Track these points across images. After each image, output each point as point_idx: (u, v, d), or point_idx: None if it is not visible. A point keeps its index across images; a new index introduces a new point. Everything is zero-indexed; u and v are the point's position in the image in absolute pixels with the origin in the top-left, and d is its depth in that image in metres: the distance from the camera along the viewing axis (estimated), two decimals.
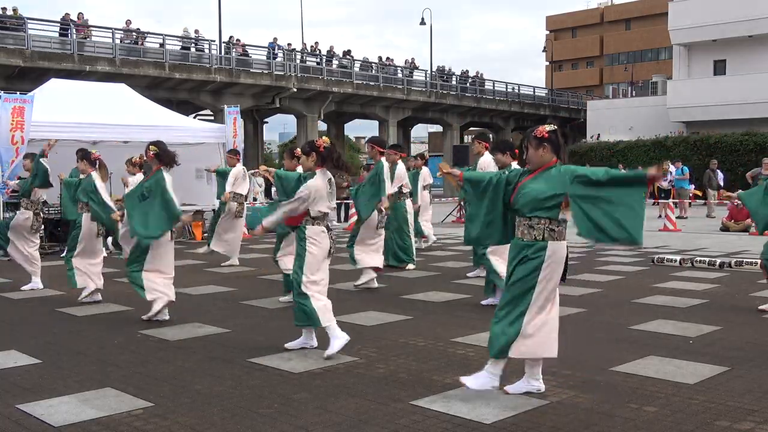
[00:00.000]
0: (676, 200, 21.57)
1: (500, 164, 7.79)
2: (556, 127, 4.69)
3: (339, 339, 5.74)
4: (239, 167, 11.73)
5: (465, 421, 4.29)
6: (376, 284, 9.28)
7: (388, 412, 4.46)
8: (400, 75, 41.85)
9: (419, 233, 13.18)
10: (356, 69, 39.21)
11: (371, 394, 4.84)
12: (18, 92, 14.02)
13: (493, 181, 4.82)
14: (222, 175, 12.06)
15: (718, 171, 24.13)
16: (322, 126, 45.97)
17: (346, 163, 6.18)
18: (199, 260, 12.35)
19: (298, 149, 8.95)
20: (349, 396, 4.80)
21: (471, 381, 4.72)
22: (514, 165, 7.85)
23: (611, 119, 42.64)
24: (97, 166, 8.49)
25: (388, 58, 41.91)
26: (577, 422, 4.27)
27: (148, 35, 31.48)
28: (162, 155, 7.21)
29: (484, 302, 8.06)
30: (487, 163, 9.66)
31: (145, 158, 7.52)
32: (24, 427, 4.27)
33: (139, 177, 9.93)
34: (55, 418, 4.41)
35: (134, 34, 30.87)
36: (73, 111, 14.39)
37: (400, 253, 10.74)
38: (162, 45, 31.27)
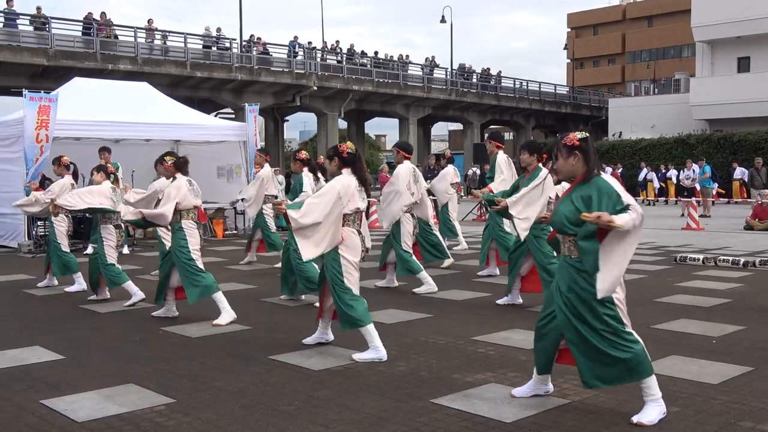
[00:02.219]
0: (699, 199, 21.37)
1: (525, 164, 7.65)
2: (587, 134, 4.42)
3: (377, 353, 5.67)
4: (267, 169, 11.59)
5: (485, 420, 4.28)
6: (396, 283, 9.28)
7: (408, 410, 4.46)
8: (420, 73, 41.80)
9: (453, 234, 13.10)
10: (376, 68, 39.21)
11: (391, 391, 4.85)
12: (42, 91, 14.16)
13: None
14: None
15: (740, 169, 23.87)
16: (342, 124, 46.05)
17: (366, 179, 5.94)
18: (220, 258, 12.41)
19: (302, 152, 9.00)
20: (370, 393, 4.81)
21: None
22: (542, 169, 7.66)
23: (633, 117, 42.35)
24: (111, 179, 8.81)
25: (407, 56, 41.89)
26: (599, 422, 4.24)
27: (170, 34, 31.67)
28: (179, 163, 7.48)
29: (500, 301, 8.04)
30: (502, 161, 9.60)
31: (159, 171, 7.69)
32: (48, 422, 4.32)
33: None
34: (78, 413, 4.45)
35: (156, 33, 31.06)
36: (96, 109, 14.52)
37: (432, 250, 10.56)
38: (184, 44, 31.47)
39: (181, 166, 7.47)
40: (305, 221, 5.54)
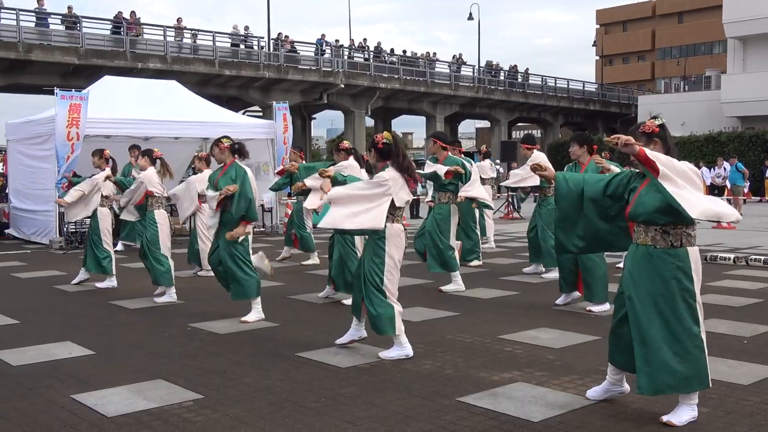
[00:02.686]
0: (730, 197, 21.09)
1: (575, 156, 7.55)
2: (663, 120, 4.34)
3: (402, 349, 5.64)
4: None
5: (512, 419, 4.27)
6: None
7: (434, 408, 4.46)
8: (447, 70, 41.72)
9: (482, 232, 13.03)
10: (403, 66, 39.18)
11: (418, 389, 4.85)
12: (73, 89, 14.33)
13: (589, 193, 4.47)
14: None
15: None
16: (370, 122, 46.10)
17: (411, 167, 5.66)
18: None
19: (345, 142, 8.84)
20: (396, 391, 4.81)
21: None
22: (612, 164, 7.49)
23: (663, 114, 40.88)
24: (157, 164, 8.64)
25: (434, 54, 41.85)
26: (627, 422, 4.21)
27: (199, 33, 31.90)
28: (235, 147, 7.18)
29: (559, 301, 7.83)
30: (533, 158, 9.50)
31: (214, 153, 7.29)
32: (78, 417, 4.37)
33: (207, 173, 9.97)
34: (108, 408, 4.51)
35: (185, 32, 31.30)
36: (125, 107, 14.67)
37: (466, 251, 10.42)
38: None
39: (237, 150, 7.12)
40: (336, 192, 5.57)
